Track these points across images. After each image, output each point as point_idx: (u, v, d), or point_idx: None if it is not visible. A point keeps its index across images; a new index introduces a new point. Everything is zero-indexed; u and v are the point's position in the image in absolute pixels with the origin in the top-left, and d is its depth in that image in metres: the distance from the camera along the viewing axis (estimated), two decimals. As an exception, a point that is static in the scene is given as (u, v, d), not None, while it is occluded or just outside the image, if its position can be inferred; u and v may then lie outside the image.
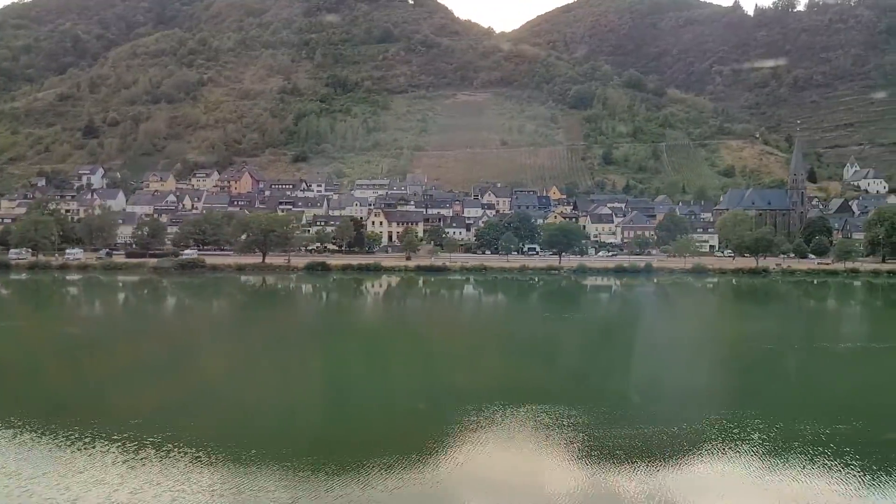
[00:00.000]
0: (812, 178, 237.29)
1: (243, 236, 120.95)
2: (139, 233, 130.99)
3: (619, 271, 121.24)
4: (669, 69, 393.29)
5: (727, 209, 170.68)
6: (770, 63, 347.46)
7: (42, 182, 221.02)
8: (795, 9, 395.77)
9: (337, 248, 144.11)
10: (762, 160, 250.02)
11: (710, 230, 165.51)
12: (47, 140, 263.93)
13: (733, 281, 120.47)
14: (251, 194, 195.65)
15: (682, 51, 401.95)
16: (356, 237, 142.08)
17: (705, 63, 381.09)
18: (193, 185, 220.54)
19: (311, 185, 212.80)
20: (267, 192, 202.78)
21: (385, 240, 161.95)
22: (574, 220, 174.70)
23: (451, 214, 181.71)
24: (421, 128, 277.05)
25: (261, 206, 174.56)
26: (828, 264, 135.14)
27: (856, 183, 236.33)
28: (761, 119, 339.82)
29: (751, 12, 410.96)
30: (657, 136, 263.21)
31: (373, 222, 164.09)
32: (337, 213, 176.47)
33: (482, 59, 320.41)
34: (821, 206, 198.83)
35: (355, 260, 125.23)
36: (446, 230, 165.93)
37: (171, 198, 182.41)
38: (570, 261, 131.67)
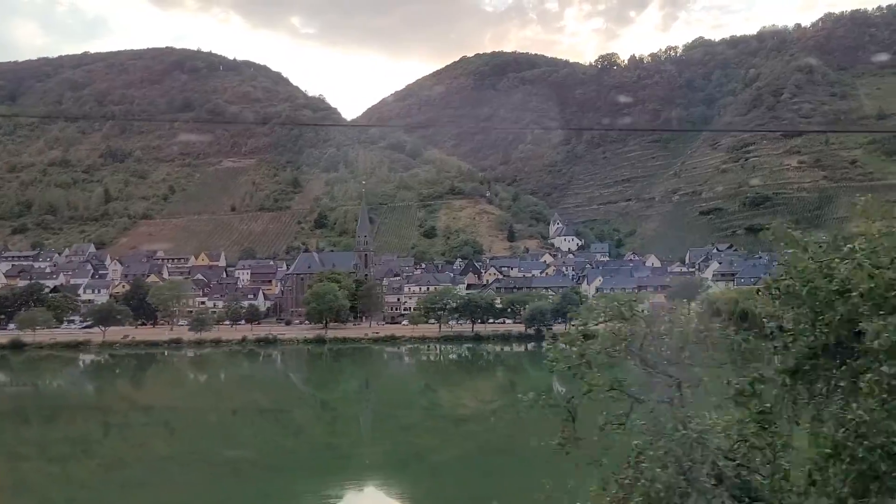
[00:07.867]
0: (511, 237, 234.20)
1: None
2: None
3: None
4: (494, 129, 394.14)
5: (293, 274, 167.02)
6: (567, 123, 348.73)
7: None
8: (616, 65, 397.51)
9: None
10: (475, 219, 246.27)
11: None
12: None
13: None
14: None
15: (510, 111, 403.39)
16: None
17: (523, 122, 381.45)
18: None
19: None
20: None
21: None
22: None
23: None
24: (165, 195, 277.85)
25: None
26: None
27: (552, 241, 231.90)
28: (557, 176, 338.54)
29: (577, 70, 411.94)
30: (388, 197, 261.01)
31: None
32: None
33: (259, 126, 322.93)
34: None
35: None
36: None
37: None
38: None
